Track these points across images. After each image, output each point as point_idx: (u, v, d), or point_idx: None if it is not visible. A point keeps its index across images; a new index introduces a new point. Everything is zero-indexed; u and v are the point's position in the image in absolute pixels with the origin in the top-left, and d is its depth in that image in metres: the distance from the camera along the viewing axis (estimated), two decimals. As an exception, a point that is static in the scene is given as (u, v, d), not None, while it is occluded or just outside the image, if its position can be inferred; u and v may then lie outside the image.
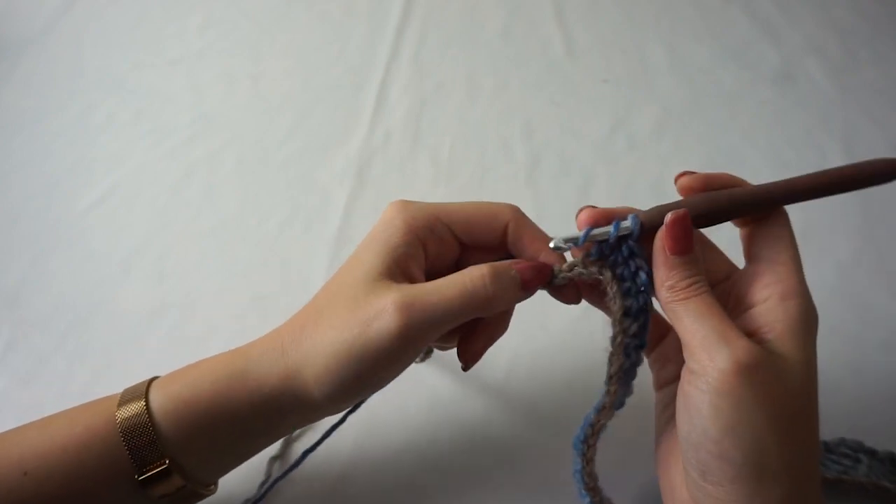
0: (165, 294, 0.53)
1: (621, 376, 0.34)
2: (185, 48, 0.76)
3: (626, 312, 0.33)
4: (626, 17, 0.74)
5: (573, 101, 0.66)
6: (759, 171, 0.58)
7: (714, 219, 0.32)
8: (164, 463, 0.31)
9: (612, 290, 0.33)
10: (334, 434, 0.41)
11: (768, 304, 0.30)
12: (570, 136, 0.63)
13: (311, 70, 0.72)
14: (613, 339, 0.33)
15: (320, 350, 0.31)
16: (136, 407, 0.32)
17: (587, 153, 0.61)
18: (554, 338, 0.48)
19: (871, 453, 0.39)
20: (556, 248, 0.33)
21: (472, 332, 0.36)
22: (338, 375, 0.31)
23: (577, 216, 0.33)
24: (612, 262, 0.33)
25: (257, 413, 0.32)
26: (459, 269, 0.33)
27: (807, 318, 0.30)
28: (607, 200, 0.57)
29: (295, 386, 0.32)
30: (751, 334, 0.30)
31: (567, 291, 0.34)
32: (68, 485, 0.31)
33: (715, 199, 0.32)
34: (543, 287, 0.34)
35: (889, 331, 0.47)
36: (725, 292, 0.33)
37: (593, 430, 0.35)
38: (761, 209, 0.33)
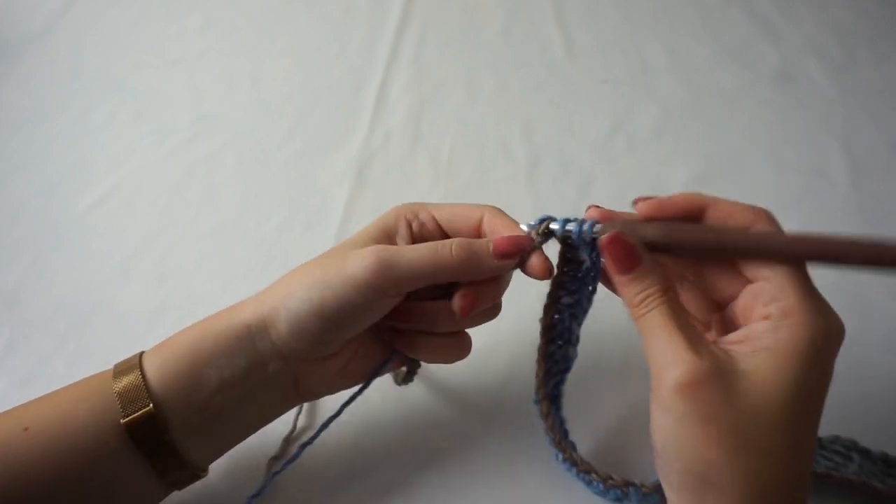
0: (165, 295, 0.53)
1: (552, 334, 0.37)
2: (186, 49, 0.76)
3: (561, 285, 0.36)
4: (626, 18, 0.74)
5: (573, 102, 0.66)
6: (758, 172, 0.59)
7: (675, 251, 0.32)
8: (148, 404, 0.33)
9: (558, 256, 0.36)
10: (334, 434, 0.41)
11: (764, 323, 0.29)
12: (569, 136, 0.63)
13: (311, 71, 0.72)
14: (546, 300, 0.37)
15: (296, 281, 0.35)
16: (131, 370, 0.34)
17: (587, 154, 0.61)
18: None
19: (865, 453, 0.39)
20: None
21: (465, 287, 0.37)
22: (306, 303, 0.34)
23: (587, 211, 0.35)
24: (571, 234, 0.34)
25: (230, 341, 0.34)
26: None
27: (803, 339, 0.28)
28: (607, 201, 0.57)
29: (263, 311, 0.35)
30: (730, 345, 0.30)
31: (535, 265, 0.35)
32: (65, 437, 0.33)
33: (672, 231, 0.32)
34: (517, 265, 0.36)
35: (889, 331, 0.47)
36: (729, 311, 0.33)
37: (537, 382, 0.38)
38: (730, 256, 0.32)
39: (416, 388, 0.46)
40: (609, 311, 0.37)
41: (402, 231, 0.37)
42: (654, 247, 0.32)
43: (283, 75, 0.72)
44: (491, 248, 0.34)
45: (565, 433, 0.39)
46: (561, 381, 0.40)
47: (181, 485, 0.36)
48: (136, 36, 0.78)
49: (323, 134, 0.65)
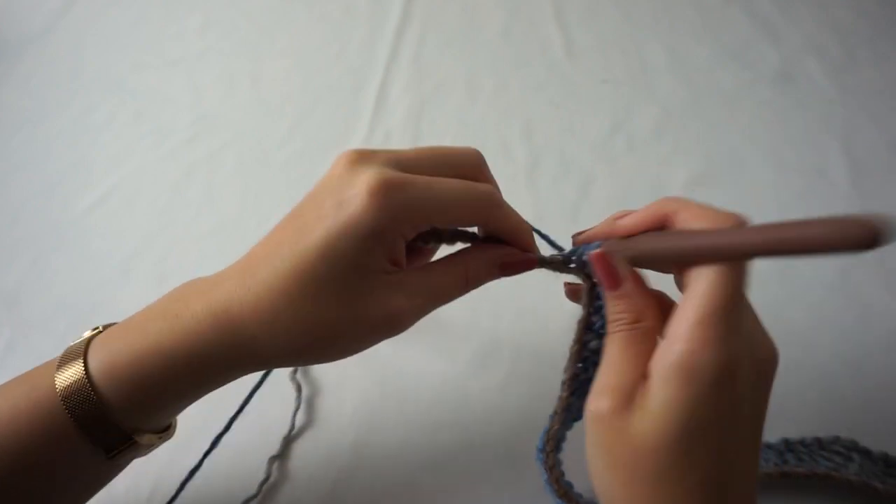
0: (165, 294, 0.53)
1: (575, 386, 0.34)
2: (186, 49, 0.76)
3: (589, 326, 0.33)
4: (626, 18, 0.74)
5: (573, 102, 0.66)
6: (758, 172, 0.59)
7: (654, 266, 0.32)
8: (80, 359, 0.31)
9: (583, 299, 0.33)
10: (333, 434, 0.41)
11: (661, 346, 0.28)
12: (569, 136, 0.63)
13: (311, 71, 0.72)
14: (572, 345, 0.33)
15: (280, 299, 0.30)
16: (74, 362, 0.32)
17: (587, 154, 0.61)
18: (555, 338, 0.48)
19: (865, 453, 0.39)
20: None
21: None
22: (301, 333, 0.30)
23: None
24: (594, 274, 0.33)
25: (195, 373, 0.31)
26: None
27: (687, 365, 0.26)
28: (607, 201, 0.57)
29: (245, 346, 0.30)
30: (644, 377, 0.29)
31: (577, 290, 0.35)
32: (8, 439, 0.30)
33: (643, 246, 0.31)
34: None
35: (889, 330, 0.47)
36: None
37: (548, 437, 0.34)
38: (685, 264, 0.29)
39: (415, 389, 0.46)
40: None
41: (399, 243, 0.33)
42: (635, 262, 0.32)
43: (283, 75, 0.72)
44: (497, 270, 0.34)
45: (569, 485, 0.36)
46: (568, 429, 0.36)
47: (142, 452, 0.33)
48: (136, 36, 0.78)
49: (323, 134, 0.65)
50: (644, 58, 0.69)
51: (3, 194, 0.62)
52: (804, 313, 0.48)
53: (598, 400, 0.29)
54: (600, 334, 0.33)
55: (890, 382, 0.44)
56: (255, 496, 0.41)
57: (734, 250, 0.26)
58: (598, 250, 0.32)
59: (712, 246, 0.27)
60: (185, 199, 0.60)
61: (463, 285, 0.33)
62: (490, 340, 0.48)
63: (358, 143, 0.64)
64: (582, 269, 0.33)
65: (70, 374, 0.31)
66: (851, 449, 0.39)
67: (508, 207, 0.34)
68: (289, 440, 0.44)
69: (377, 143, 0.64)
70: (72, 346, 0.33)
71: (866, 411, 0.43)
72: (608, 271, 0.31)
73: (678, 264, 0.29)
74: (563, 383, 0.34)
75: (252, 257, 0.33)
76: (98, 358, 0.31)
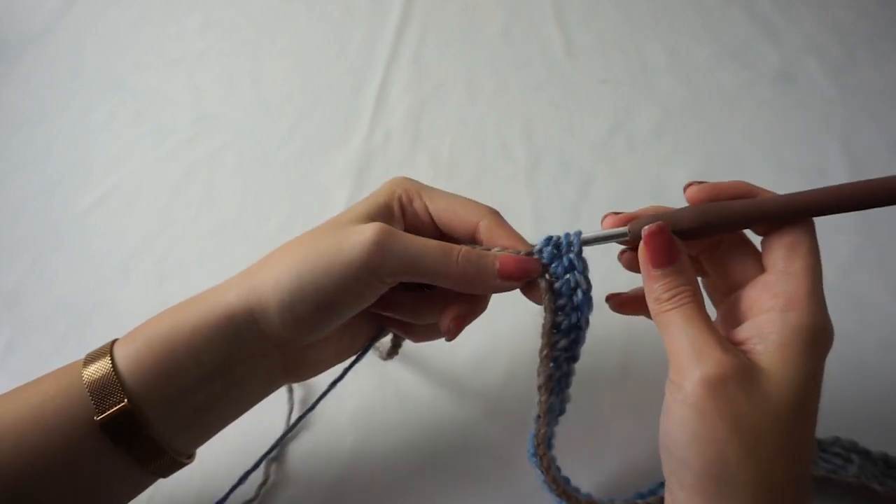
0: (166, 295, 0.53)
1: (551, 385, 0.34)
2: (185, 49, 0.76)
3: (556, 327, 0.33)
4: (626, 18, 0.74)
5: (573, 102, 0.66)
6: (758, 171, 0.58)
7: (706, 232, 0.32)
8: (122, 400, 0.31)
9: (544, 302, 0.33)
10: (332, 435, 0.42)
11: (769, 314, 0.30)
12: (569, 136, 0.63)
13: (311, 71, 0.72)
14: (541, 350, 0.33)
15: (288, 263, 0.32)
16: (101, 358, 0.32)
17: (587, 154, 0.61)
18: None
19: (865, 453, 0.39)
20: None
21: (453, 302, 0.35)
22: (301, 276, 0.32)
23: (602, 221, 0.34)
24: (553, 273, 0.33)
25: (210, 330, 0.32)
26: None
27: (808, 332, 0.29)
28: (607, 201, 0.57)
29: (248, 295, 0.32)
30: (743, 343, 0.30)
31: (537, 290, 0.34)
32: (36, 436, 0.31)
33: (705, 213, 0.32)
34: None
35: (889, 331, 0.47)
36: (738, 299, 0.33)
37: (537, 440, 0.35)
38: (760, 224, 0.32)
39: (414, 390, 0.46)
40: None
41: (396, 212, 0.35)
42: (686, 235, 0.32)
43: (283, 75, 0.72)
44: (497, 266, 0.33)
45: (566, 481, 0.37)
46: (555, 425, 0.37)
47: (167, 472, 0.34)
48: (136, 36, 0.78)
49: (323, 134, 0.65)
50: (644, 58, 0.69)
51: (3, 194, 0.62)
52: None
53: (709, 366, 0.28)
54: (566, 331, 0.33)
55: (890, 382, 0.44)
56: (253, 499, 0.41)
57: (799, 207, 0.31)
58: (660, 223, 0.31)
59: (792, 203, 0.31)
60: (185, 199, 0.60)
61: (444, 252, 0.32)
62: (489, 341, 0.48)
63: (358, 143, 0.64)
64: (567, 255, 0.33)
65: (97, 373, 0.32)
66: (851, 450, 0.39)
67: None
68: (285, 441, 0.44)
69: (377, 143, 0.64)
70: (95, 350, 0.34)
71: (866, 412, 0.43)
72: (669, 245, 0.31)
73: (759, 225, 0.32)
74: (540, 387, 0.34)
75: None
76: (125, 353, 0.32)
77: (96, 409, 0.31)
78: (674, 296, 0.30)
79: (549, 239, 0.33)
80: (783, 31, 0.70)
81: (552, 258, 0.33)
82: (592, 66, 0.69)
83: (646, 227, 0.31)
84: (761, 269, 0.33)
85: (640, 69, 0.68)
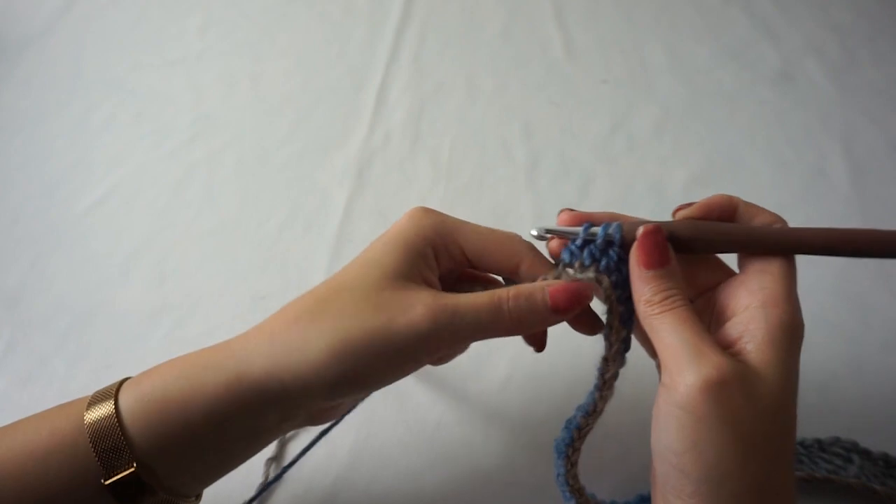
0: (166, 295, 0.53)
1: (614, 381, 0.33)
2: (185, 49, 0.76)
3: (622, 319, 0.33)
4: (626, 18, 0.74)
5: (573, 102, 0.66)
6: (758, 172, 0.59)
7: (698, 248, 0.32)
8: (132, 466, 0.29)
9: (611, 296, 0.32)
10: (331, 436, 0.41)
11: (749, 311, 0.30)
12: (569, 136, 0.63)
13: (311, 70, 0.72)
14: (610, 346, 0.33)
15: (326, 337, 0.30)
16: (104, 409, 0.30)
17: (587, 154, 0.61)
18: (554, 342, 0.48)
19: (866, 454, 0.39)
20: (538, 237, 0.34)
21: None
22: (345, 362, 0.29)
23: (557, 216, 0.34)
24: (605, 268, 0.32)
25: (235, 406, 0.30)
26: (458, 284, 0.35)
27: (789, 329, 0.29)
28: (607, 201, 0.57)
29: (282, 373, 0.30)
30: (730, 345, 0.30)
31: (585, 320, 0.34)
32: (34, 493, 0.29)
33: (697, 228, 0.32)
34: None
35: (889, 331, 0.47)
36: (712, 300, 0.33)
37: (580, 433, 0.34)
38: (751, 251, 0.32)
39: (415, 392, 0.46)
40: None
41: (431, 261, 0.33)
42: (677, 246, 0.32)
43: (283, 75, 0.72)
44: (547, 299, 0.31)
45: (592, 496, 0.36)
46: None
47: None
48: (136, 36, 0.78)
49: (323, 134, 0.65)
50: (644, 58, 0.69)
51: (3, 194, 0.62)
52: (804, 314, 0.48)
53: (707, 370, 0.27)
54: (626, 324, 0.33)
55: (890, 382, 0.44)
56: (253, 499, 0.41)
57: (798, 244, 0.31)
58: (653, 224, 0.31)
59: (776, 236, 0.31)
60: (185, 199, 0.60)
61: (495, 308, 0.31)
62: (490, 341, 0.48)
63: (358, 143, 0.64)
64: (604, 253, 0.32)
65: (100, 411, 0.30)
66: (851, 450, 0.39)
67: (541, 256, 0.34)
68: (284, 441, 0.44)
69: (377, 143, 0.64)
70: (103, 388, 0.32)
71: (866, 412, 0.43)
72: (662, 247, 0.31)
73: (746, 248, 0.32)
74: (605, 382, 0.33)
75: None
76: (128, 397, 0.31)
77: (104, 470, 0.29)
78: (665, 298, 0.30)
79: (583, 244, 0.33)
80: (783, 31, 0.70)
81: (594, 258, 0.32)
82: (592, 65, 0.69)
83: (641, 227, 0.31)
84: (727, 273, 0.34)
85: (640, 69, 0.68)
